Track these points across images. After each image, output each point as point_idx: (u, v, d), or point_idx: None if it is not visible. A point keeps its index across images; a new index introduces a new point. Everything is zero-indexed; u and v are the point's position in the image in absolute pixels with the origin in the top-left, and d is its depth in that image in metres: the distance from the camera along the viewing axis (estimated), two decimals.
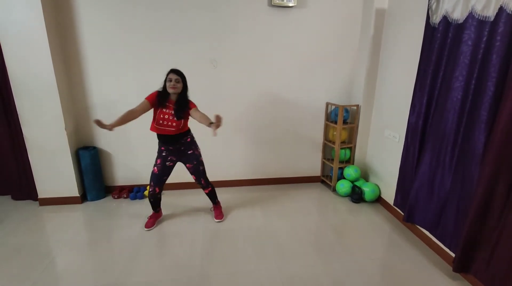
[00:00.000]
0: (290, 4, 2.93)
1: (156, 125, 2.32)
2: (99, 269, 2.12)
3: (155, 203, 2.64)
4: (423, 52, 2.26)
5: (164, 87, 2.30)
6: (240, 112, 3.14)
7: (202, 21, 2.90)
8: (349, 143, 3.39)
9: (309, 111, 3.36)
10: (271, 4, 2.93)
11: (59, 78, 2.73)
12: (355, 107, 3.26)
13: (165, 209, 2.95)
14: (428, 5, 2.18)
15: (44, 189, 2.97)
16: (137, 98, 3.00)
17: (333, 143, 3.31)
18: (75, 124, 3.01)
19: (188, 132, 2.48)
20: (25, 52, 2.58)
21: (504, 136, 1.62)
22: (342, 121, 3.16)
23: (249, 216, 2.84)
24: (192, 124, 2.46)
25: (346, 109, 3.23)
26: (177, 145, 2.42)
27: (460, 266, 1.96)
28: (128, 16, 2.80)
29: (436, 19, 2.12)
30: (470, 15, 1.84)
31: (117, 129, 3.05)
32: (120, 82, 2.97)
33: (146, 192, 3.21)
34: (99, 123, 2.08)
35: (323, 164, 3.59)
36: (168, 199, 3.16)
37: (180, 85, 2.29)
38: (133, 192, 3.20)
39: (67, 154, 2.88)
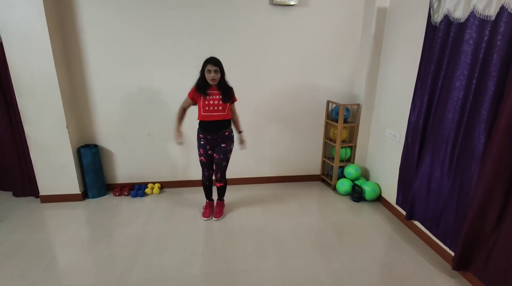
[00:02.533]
0: (292, 3, 2.92)
1: (203, 113, 2.41)
2: (100, 266, 2.14)
3: (209, 188, 2.78)
4: (424, 51, 2.26)
5: (203, 77, 2.35)
6: (240, 111, 3.13)
7: (203, 19, 2.90)
8: (350, 142, 3.39)
9: (309, 109, 3.36)
10: (273, 3, 2.93)
11: (60, 76, 2.74)
12: (355, 106, 3.26)
13: (165, 207, 2.97)
14: (430, 4, 2.17)
15: (45, 187, 2.98)
16: (139, 95, 3.03)
17: (334, 142, 3.31)
18: (77, 122, 3.02)
19: (229, 123, 2.57)
20: (27, 50, 2.59)
21: (504, 136, 1.62)
22: (343, 120, 3.16)
23: (250, 215, 2.85)
24: None
25: (346, 108, 3.23)
26: (215, 136, 2.49)
27: (459, 265, 1.96)
28: (130, 14, 2.80)
29: (438, 18, 2.11)
30: (472, 14, 1.83)
31: (118, 127, 3.11)
32: (121, 80, 2.97)
33: (147, 190, 3.22)
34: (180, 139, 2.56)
35: (324, 163, 3.59)
36: (168, 197, 3.18)
37: (219, 75, 2.34)
38: (134, 189, 3.21)
39: (68, 152, 2.90)
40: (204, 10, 2.88)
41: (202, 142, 2.53)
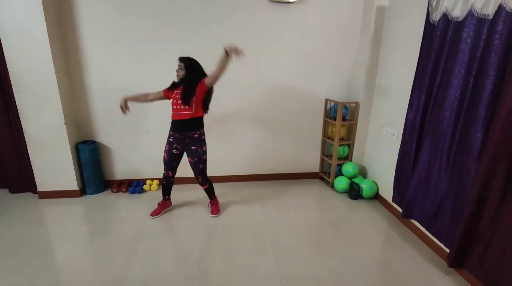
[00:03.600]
0: (291, 0, 2.92)
1: (172, 112, 2.44)
2: (98, 262, 2.14)
3: (167, 188, 2.72)
4: (423, 50, 2.27)
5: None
6: (239, 108, 3.15)
7: (201, 16, 2.89)
8: (348, 140, 3.40)
9: (308, 107, 3.36)
10: (272, 0, 2.92)
11: (58, 71, 2.73)
12: (354, 104, 3.26)
13: None
14: (428, 2, 2.18)
15: (43, 183, 2.98)
16: (137, 92, 3.01)
17: (332, 139, 3.32)
18: (75, 118, 3.02)
19: (199, 125, 2.48)
20: (25, 46, 2.57)
21: (501, 134, 1.64)
22: (341, 118, 3.17)
23: (248, 212, 2.86)
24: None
25: (345, 106, 3.23)
26: (182, 136, 2.46)
27: (455, 262, 1.98)
28: (129, 11, 2.79)
29: (436, 16, 2.12)
30: (470, 13, 1.84)
31: (116, 124, 3.10)
32: (120, 76, 2.97)
33: (145, 186, 3.23)
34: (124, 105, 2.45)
35: (322, 161, 3.60)
36: None
37: (182, 72, 2.36)
38: (132, 186, 3.22)
39: (66, 148, 2.89)
40: (203, 6, 2.87)
41: (170, 139, 2.53)
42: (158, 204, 2.78)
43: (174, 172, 2.66)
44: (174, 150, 2.54)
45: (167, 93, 2.49)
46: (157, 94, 2.53)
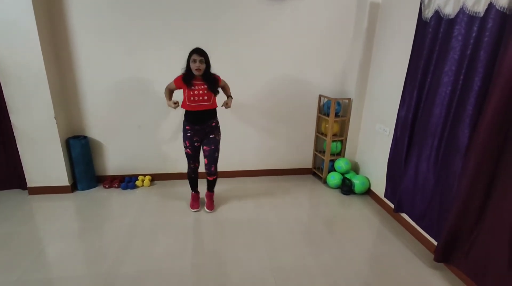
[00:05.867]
0: None
1: (188, 103, 2.40)
2: (90, 258, 2.13)
3: (195, 180, 2.78)
4: (415, 47, 2.28)
5: (188, 67, 2.36)
6: (232, 105, 3.12)
7: (194, 11, 2.86)
8: (341, 136, 3.42)
9: (301, 103, 3.37)
10: None
11: (48, 65, 2.68)
12: (347, 101, 3.28)
13: (156, 199, 2.97)
14: None
15: (33, 178, 2.94)
16: (129, 86, 2.99)
17: (325, 135, 3.34)
18: (66, 113, 2.97)
19: (216, 114, 2.56)
20: (13, 38, 2.52)
21: (488, 131, 1.66)
22: (334, 114, 3.18)
23: (241, 207, 2.87)
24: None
25: (338, 102, 3.25)
26: (203, 126, 2.49)
27: (442, 256, 2.02)
28: (120, 4, 2.74)
29: (428, 13, 2.13)
30: (461, 11, 1.86)
31: (108, 118, 3.07)
32: (111, 70, 2.93)
33: (137, 182, 3.21)
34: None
35: (315, 156, 3.62)
36: (159, 189, 3.17)
37: (204, 66, 2.34)
38: (124, 182, 3.19)
39: (57, 143, 2.85)
40: (196, 1, 2.84)
41: (188, 134, 2.51)
42: (192, 199, 2.82)
43: (199, 162, 2.69)
44: (195, 143, 2.55)
45: (179, 84, 2.42)
46: (172, 87, 2.48)
